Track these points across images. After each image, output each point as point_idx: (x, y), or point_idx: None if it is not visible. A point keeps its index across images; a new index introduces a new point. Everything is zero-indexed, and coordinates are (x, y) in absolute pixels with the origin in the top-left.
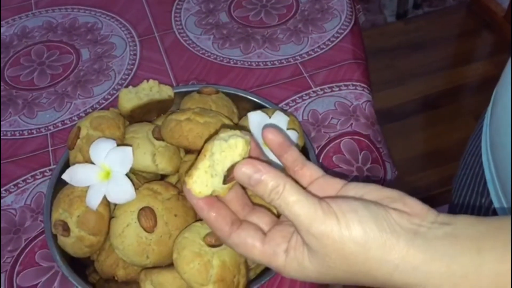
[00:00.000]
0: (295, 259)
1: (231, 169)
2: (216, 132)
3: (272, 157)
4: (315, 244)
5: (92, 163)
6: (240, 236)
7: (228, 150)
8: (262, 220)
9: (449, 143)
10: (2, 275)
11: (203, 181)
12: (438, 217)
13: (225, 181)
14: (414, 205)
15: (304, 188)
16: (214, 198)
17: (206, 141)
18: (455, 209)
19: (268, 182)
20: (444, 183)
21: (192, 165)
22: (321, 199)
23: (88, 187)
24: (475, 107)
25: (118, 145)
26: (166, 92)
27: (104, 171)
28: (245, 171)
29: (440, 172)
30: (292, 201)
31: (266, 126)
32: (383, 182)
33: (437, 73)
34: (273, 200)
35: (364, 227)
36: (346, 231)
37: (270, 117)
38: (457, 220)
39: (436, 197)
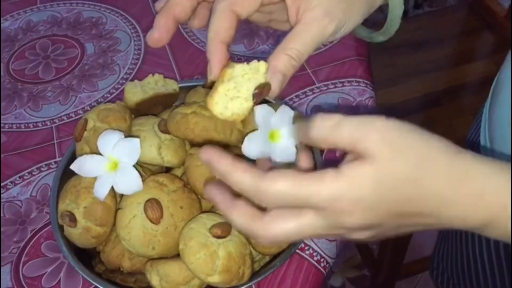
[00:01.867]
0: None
1: (259, 88)
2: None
3: (278, 151)
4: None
5: (99, 154)
6: None
7: (251, 72)
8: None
9: (453, 141)
10: (8, 266)
11: (223, 103)
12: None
13: (254, 101)
14: None
15: None
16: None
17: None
18: None
19: None
20: None
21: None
22: None
23: (95, 178)
24: (476, 106)
25: (126, 136)
26: (172, 86)
27: (112, 162)
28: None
29: None
30: None
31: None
32: None
33: (438, 71)
34: None
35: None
36: None
37: (275, 111)
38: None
39: None
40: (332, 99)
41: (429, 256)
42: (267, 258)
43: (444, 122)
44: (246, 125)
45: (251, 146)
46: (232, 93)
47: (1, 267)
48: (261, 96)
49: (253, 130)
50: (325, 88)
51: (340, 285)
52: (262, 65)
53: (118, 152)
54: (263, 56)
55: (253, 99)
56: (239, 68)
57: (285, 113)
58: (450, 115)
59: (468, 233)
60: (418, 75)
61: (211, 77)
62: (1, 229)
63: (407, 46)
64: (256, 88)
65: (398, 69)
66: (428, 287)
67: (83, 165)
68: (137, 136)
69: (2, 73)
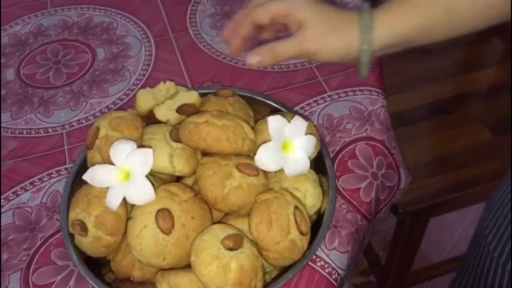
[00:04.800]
0: None
1: (183, 106)
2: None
3: (291, 163)
4: None
5: (111, 163)
6: None
7: (186, 96)
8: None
9: (458, 149)
10: (18, 273)
11: (166, 111)
12: None
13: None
14: None
15: None
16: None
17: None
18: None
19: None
20: (453, 189)
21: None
22: None
23: (107, 187)
24: (485, 114)
25: (138, 146)
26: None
27: (124, 172)
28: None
29: (448, 178)
30: None
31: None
32: (397, 188)
33: (447, 78)
34: None
35: None
36: None
37: (289, 122)
38: None
39: (444, 203)
40: (343, 108)
41: (436, 264)
42: (278, 270)
43: (452, 129)
44: (259, 135)
45: (264, 157)
46: (171, 106)
47: (11, 275)
48: (181, 110)
49: (265, 139)
50: (336, 96)
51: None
52: (195, 93)
53: (131, 162)
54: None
55: (176, 111)
56: (181, 91)
57: (299, 124)
58: (459, 123)
59: (492, 265)
60: (426, 82)
61: (230, 52)
62: (11, 236)
63: (415, 52)
64: (180, 105)
65: (406, 75)
66: None
67: (96, 175)
68: (150, 146)
69: (13, 78)
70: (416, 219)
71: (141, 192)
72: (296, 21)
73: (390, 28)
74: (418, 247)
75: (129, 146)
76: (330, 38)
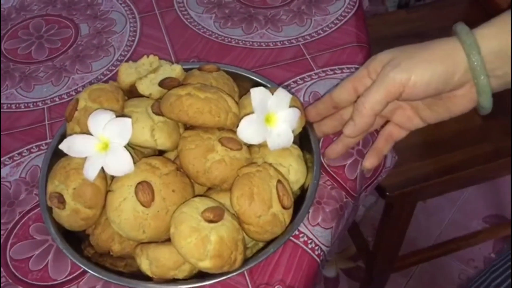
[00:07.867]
0: None
1: (164, 79)
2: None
3: (274, 135)
4: None
5: (90, 134)
6: None
7: (169, 70)
8: None
9: (448, 133)
10: None
11: (148, 84)
12: None
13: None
14: None
15: None
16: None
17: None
18: None
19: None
20: (441, 173)
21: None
22: None
23: (85, 159)
24: None
25: (117, 116)
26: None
27: (102, 143)
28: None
29: (437, 161)
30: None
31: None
32: (382, 166)
33: None
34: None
35: None
36: None
37: (272, 94)
38: None
39: (432, 186)
40: (330, 86)
41: (424, 249)
42: (260, 245)
43: None
44: (243, 110)
45: (246, 130)
46: (154, 80)
47: None
48: (164, 84)
49: (249, 113)
50: (323, 74)
51: (334, 276)
52: (178, 67)
53: (109, 132)
54: (262, 41)
55: (159, 85)
56: (165, 66)
57: (282, 97)
58: None
59: None
60: None
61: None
62: None
63: (408, 37)
64: (163, 79)
65: None
66: (423, 280)
67: (73, 145)
68: (129, 116)
69: None
70: (404, 202)
71: (120, 162)
72: None
73: (495, 41)
74: (405, 231)
75: (108, 115)
76: (424, 63)
